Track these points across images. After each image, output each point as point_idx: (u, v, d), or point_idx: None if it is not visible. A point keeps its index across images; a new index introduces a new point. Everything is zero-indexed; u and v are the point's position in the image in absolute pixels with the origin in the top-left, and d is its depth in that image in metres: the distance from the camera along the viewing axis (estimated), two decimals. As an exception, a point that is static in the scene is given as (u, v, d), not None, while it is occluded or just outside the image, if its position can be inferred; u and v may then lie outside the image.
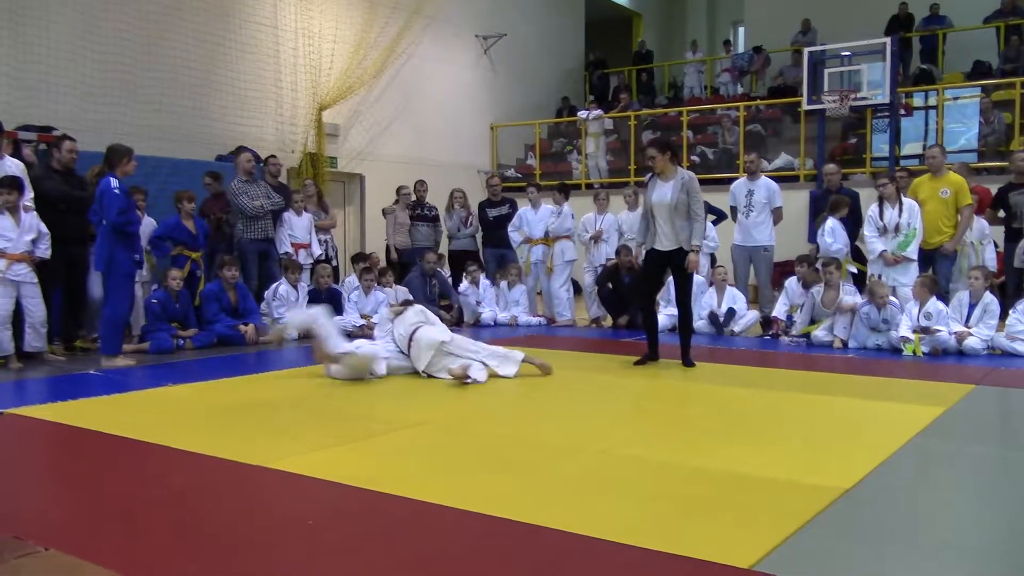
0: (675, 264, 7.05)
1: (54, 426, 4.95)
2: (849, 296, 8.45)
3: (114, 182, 7.18)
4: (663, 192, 6.97)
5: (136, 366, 7.31)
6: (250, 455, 4.14)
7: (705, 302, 9.54)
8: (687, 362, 7.06)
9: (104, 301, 7.50)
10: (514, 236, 10.73)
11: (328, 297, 9.59)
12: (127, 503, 3.53)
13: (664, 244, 7.03)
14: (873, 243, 8.68)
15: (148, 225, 8.65)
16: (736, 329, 9.31)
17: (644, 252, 7.20)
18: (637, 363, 7.16)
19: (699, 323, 9.42)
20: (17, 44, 9.67)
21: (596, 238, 10.56)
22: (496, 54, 17.22)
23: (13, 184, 7.21)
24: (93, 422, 4.96)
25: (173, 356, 7.91)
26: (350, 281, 10.31)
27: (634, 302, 9.26)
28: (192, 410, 5.47)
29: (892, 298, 8.22)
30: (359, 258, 10.93)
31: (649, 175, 7.27)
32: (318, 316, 6.97)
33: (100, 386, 6.29)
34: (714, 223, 10.25)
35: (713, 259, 10.27)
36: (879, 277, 8.51)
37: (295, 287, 9.35)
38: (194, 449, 4.30)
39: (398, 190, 11.64)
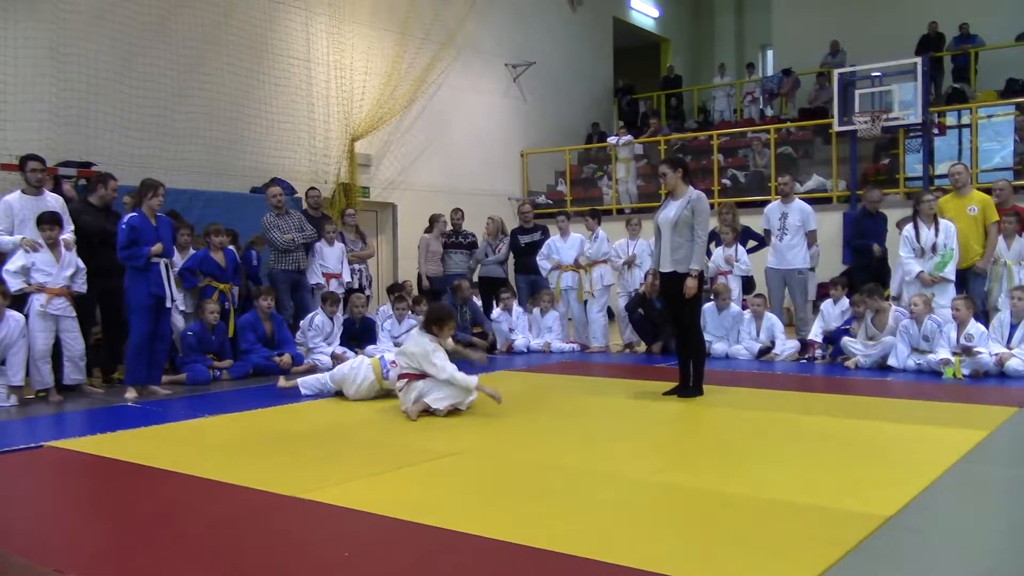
0: (676, 289, 6.74)
1: (92, 458, 5.01)
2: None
3: (126, 218, 7.37)
4: (669, 210, 6.75)
5: (172, 397, 7.40)
6: (285, 486, 4.16)
7: (744, 329, 9.47)
8: (695, 390, 6.78)
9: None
10: (543, 264, 10.72)
11: (362, 326, 9.66)
12: (164, 535, 3.55)
13: (664, 266, 6.78)
14: (910, 264, 8.58)
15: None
16: (779, 355, 9.20)
17: (649, 275, 7.01)
18: (666, 393, 6.88)
19: (736, 347, 9.38)
20: (58, 81, 9.87)
21: (629, 263, 10.52)
22: (525, 82, 17.33)
23: (54, 220, 7.35)
24: (130, 454, 5.01)
25: (209, 387, 7.98)
26: (383, 310, 10.36)
27: (666, 328, 9.22)
28: (227, 441, 5.50)
29: (932, 316, 8.11)
30: (394, 289, 10.94)
31: (664, 197, 7.10)
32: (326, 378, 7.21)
33: (138, 418, 6.34)
34: (749, 251, 10.16)
35: (748, 284, 10.18)
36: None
37: (331, 319, 9.40)
38: (230, 480, 4.33)
39: (433, 218, 11.69)
